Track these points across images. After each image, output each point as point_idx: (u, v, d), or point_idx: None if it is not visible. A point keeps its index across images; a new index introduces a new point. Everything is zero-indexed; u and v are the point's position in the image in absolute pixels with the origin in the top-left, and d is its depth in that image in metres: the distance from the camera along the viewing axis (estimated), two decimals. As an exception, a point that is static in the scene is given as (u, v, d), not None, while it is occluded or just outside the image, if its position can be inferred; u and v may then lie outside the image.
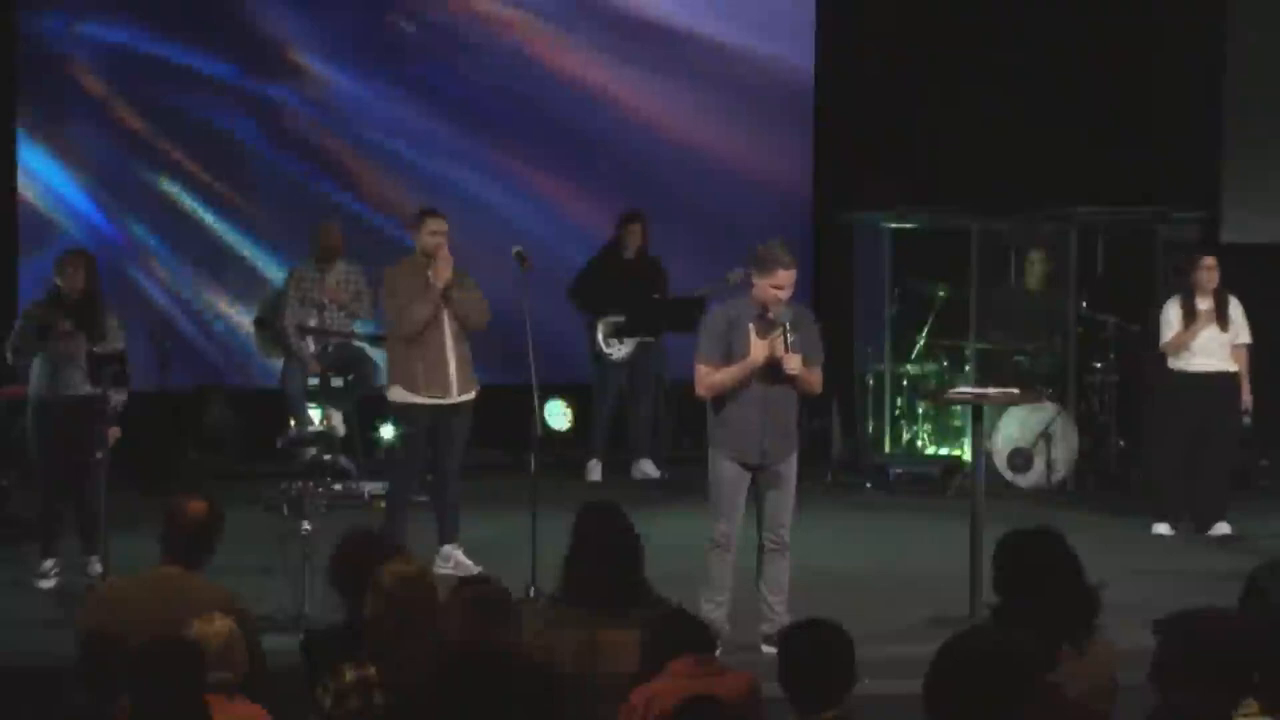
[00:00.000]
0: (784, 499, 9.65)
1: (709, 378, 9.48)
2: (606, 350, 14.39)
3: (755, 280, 9.50)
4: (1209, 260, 12.58)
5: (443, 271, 10.90)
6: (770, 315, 9.43)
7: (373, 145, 15.17)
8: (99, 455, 10.68)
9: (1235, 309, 12.56)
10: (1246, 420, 12.67)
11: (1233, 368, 12.54)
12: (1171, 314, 12.55)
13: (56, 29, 14.55)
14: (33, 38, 14.50)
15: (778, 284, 9.41)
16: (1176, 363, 12.58)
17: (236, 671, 6.10)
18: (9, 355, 11.13)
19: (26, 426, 11.11)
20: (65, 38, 14.56)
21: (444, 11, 15.34)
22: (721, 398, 9.49)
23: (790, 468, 9.68)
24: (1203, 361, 12.51)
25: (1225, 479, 12.72)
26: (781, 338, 9.39)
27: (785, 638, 5.87)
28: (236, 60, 14.87)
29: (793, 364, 9.40)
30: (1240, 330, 12.56)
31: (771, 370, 9.42)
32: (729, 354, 9.45)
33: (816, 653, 5.64)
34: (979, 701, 4.94)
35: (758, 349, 9.39)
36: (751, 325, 9.43)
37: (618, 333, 14.41)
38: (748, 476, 9.55)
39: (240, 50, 14.88)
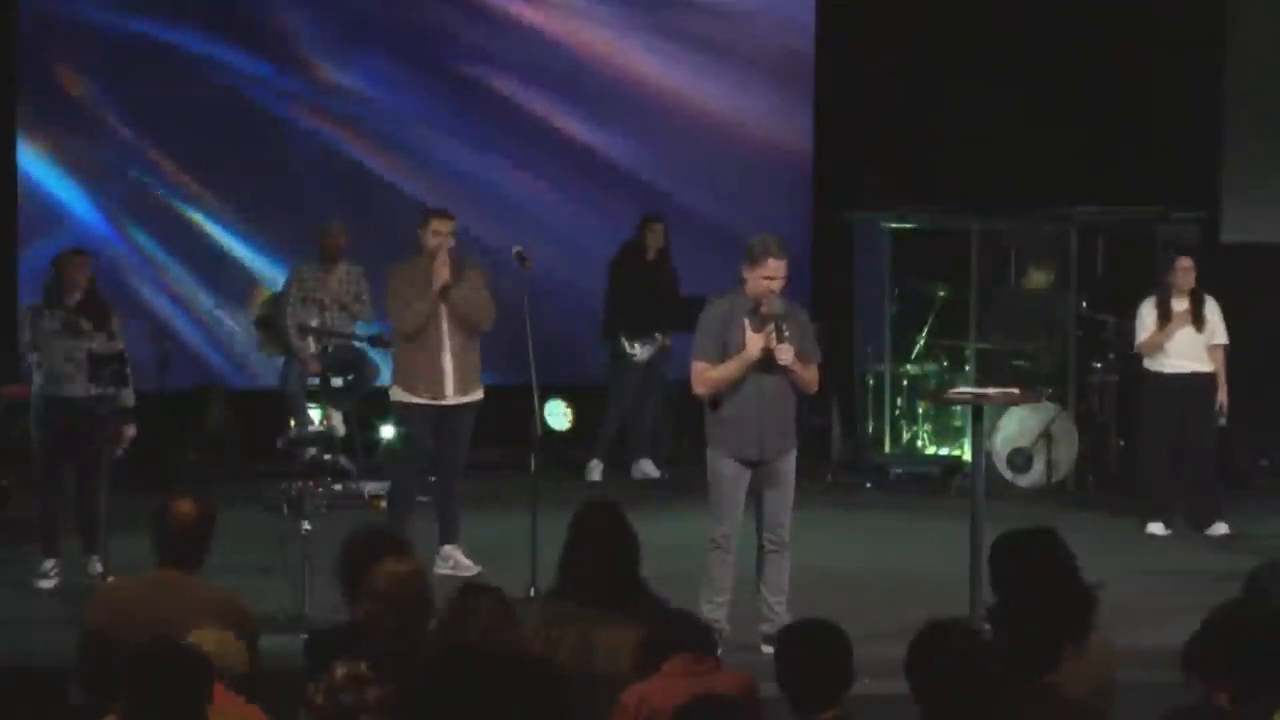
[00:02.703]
0: (783, 498, 9.66)
1: (706, 374, 9.50)
2: (630, 351, 14.36)
3: (746, 274, 9.51)
4: (1185, 261, 12.56)
5: (441, 272, 10.89)
6: (763, 309, 9.44)
7: (377, 140, 15.16)
8: (119, 453, 10.75)
9: (1212, 310, 12.54)
10: (1221, 421, 12.64)
11: (1208, 368, 12.52)
12: (1146, 315, 12.55)
13: (55, 28, 14.53)
14: (32, 37, 14.49)
15: (768, 274, 9.42)
16: (1152, 364, 12.59)
17: (231, 672, 6.08)
18: (26, 352, 11.03)
19: (30, 426, 11.12)
20: (64, 36, 14.54)
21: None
22: (718, 395, 9.50)
23: (789, 466, 9.69)
24: (1178, 363, 12.50)
25: (1212, 479, 12.70)
26: (775, 330, 9.40)
27: (783, 637, 5.87)
28: (239, 57, 14.85)
29: (785, 354, 9.41)
30: (1216, 331, 12.53)
31: (767, 364, 9.44)
32: (724, 351, 9.46)
33: (814, 652, 5.65)
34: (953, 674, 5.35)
35: (752, 343, 9.41)
36: (746, 320, 9.44)
37: (634, 333, 14.38)
38: (747, 475, 9.56)
39: (243, 46, 14.86)
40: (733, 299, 9.58)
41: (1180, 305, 12.49)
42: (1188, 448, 12.54)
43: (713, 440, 9.60)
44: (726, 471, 9.55)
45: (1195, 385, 12.49)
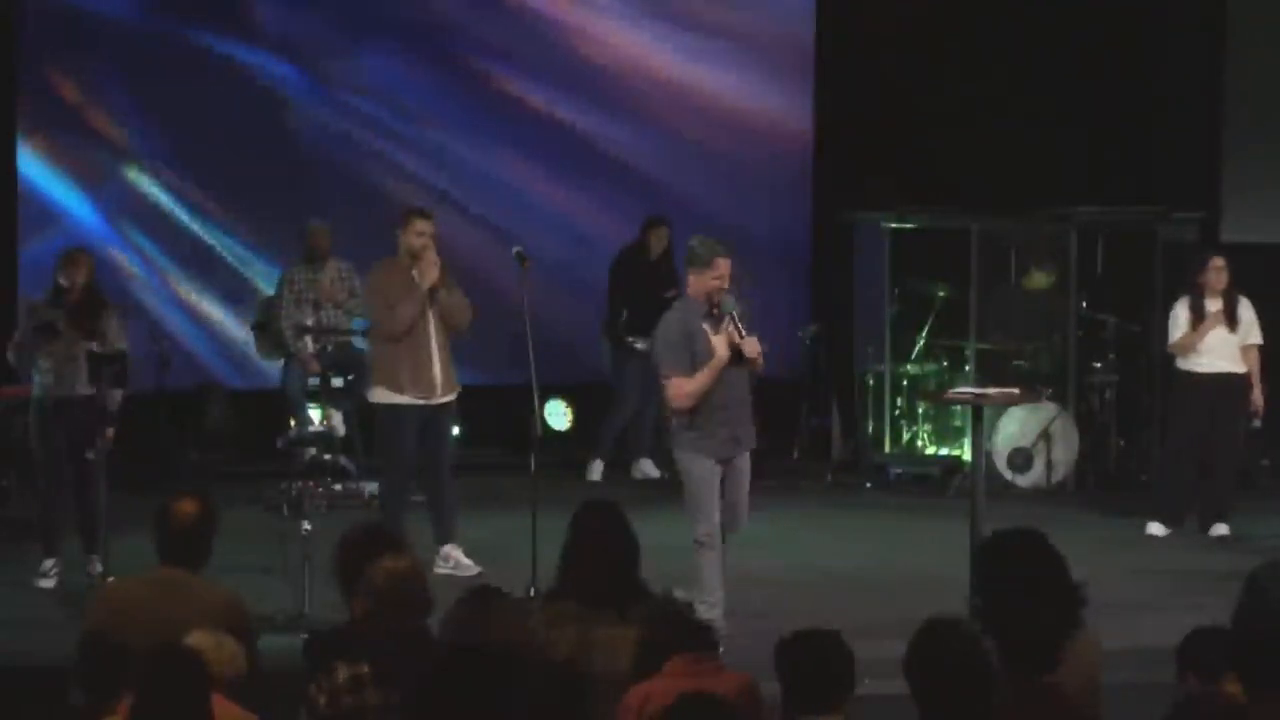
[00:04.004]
0: (745, 493, 9.82)
1: (685, 388, 9.54)
2: (629, 338, 14.34)
3: (694, 276, 9.64)
4: (1218, 261, 12.53)
5: (429, 272, 10.91)
6: (716, 309, 9.55)
7: (378, 136, 15.13)
8: (89, 456, 10.69)
9: (1245, 309, 12.51)
10: (1256, 423, 12.61)
11: (1241, 369, 12.49)
12: (1180, 315, 12.52)
13: (55, 27, 14.51)
14: (32, 37, 14.46)
15: (719, 274, 9.59)
16: (1184, 364, 12.54)
17: (229, 677, 6.08)
18: (11, 356, 11.12)
19: (28, 426, 11.12)
20: (64, 35, 14.51)
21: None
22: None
23: (747, 462, 9.82)
24: (1211, 362, 12.47)
25: (1232, 480, 12.67)
26: (734, 326, 9.51)
27: (783, 646, 5.85)
28: (236, 55, 14.81)
29: (752, 347, 9.54)
30: (1250, 331, 12.50)
31: (734, 360, 9.58)
32: (694, 362, 9.53)
33: (814, 662, 5.63)
34: (952, 675, 5.34)
35: (719, 345, 9.51)
36: (705, 325, 9.51)
37: (636, 333, 14.37)
38: (719, 471, 9.64)
39: (240, 46, 14.83)
40: (683, 309, 9.68)
41: (1214, 305, 12.46)
42: (1216, 447, 12.50)
43: (685, 444, 9.66)
44: (705, 471, 9.64)
45: (1228, 385, 12.45)
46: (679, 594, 9.32)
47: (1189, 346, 12.48)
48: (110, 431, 10.83)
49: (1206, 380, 12.45)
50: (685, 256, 9.76)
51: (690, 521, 9.67)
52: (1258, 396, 12.50)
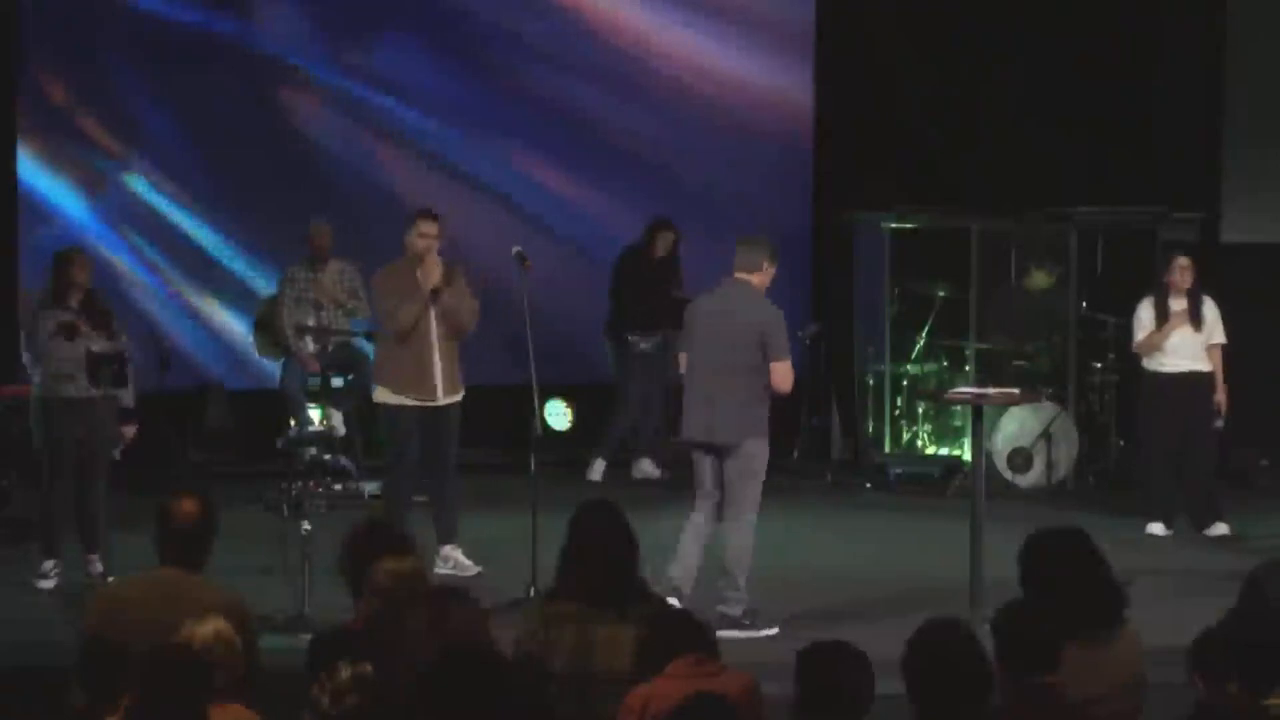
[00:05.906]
0: None
1: None
2: (633, 339, 14.32)
3: (769, 269, 9.96)
4: (1183, 260, 12.54)
5: (430, 274, 10.90)
6: None
7: (377, 134, 15.13)
8: (117, 454, 10.77)
9: (1209, 309, 12.51)
10: (1219, 422, 12.60)
11: (1206, 368, 12.49)
12: (1144, 314, 12.54)
13: (54, 26, 14.51)
14: (30, 35, 14.45)
15: None
16: (1150, 364, 12.56)
17: (228, 673, 6.09)
18: (30, 360, 10.99)
19: (30, 426, 11.11)
20: (62, 33, 14.50)
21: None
22: (768, 389, 9.82)
23: None
24: (1175, 362, 12.47)
25: (1212, 479, 12.66)
26: None
27: (804, 659, 5.80)
28: (238, 50, 14.79)
29: None
30: (1214, 330, 12.50)
31: None
32: None
33: (834, 677, 5.61)
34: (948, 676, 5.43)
35: None
36: None
37: (639, 331, 14.35)
38: None
39: (243, 40, 14.81)
40: (763, 297, 9.98)
41: (1178, 305, 12.47)
42: (1187, 448, 12.52)
43: (764, 432, 9.87)
44: None
45: (1194, 385, 12.46)
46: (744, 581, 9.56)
47: (1153, 346, 12.48)
48: (131, 429, 10.88)
49: (1173, 380, 12.44)
50: (758, 248, 9.96)
51: (749, 507, 9.86)
52: (1220, 396, 12.49)
